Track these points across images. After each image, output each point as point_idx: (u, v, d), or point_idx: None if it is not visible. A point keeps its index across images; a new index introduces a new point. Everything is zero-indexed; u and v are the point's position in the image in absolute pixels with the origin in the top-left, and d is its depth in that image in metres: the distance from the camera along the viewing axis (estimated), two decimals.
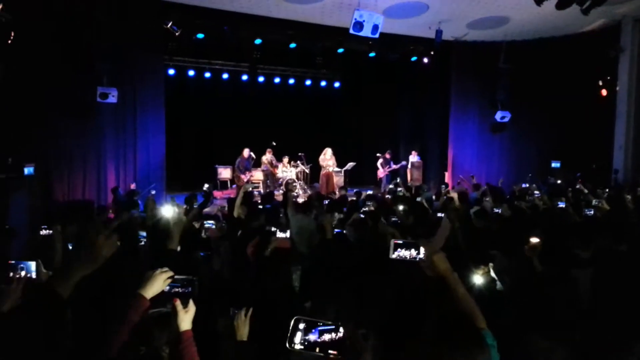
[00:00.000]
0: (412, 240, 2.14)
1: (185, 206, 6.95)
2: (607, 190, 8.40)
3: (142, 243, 4.29)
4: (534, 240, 3.32)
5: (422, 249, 2.10)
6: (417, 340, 1.64)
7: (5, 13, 7.24)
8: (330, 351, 1.60)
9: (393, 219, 5.59)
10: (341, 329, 1.63)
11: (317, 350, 1.61)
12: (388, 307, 2.24)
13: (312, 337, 1.63)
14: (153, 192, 9.15)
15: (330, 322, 1.64)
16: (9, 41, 7.57)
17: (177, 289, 2.19)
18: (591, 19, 10.33)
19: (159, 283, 2.02)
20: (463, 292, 2.01)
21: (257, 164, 13.44)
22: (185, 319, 2.02)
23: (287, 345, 1.63)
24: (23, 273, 2.35)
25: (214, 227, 5.35)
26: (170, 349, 2.10)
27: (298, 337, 1.64)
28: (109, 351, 1.82)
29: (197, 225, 5.44)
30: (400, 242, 2.16)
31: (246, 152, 12.68)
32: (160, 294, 2.04)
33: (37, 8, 8.81)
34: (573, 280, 3.17)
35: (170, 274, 2.07)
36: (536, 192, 8.28)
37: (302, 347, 1.63)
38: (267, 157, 13.13)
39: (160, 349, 2.09)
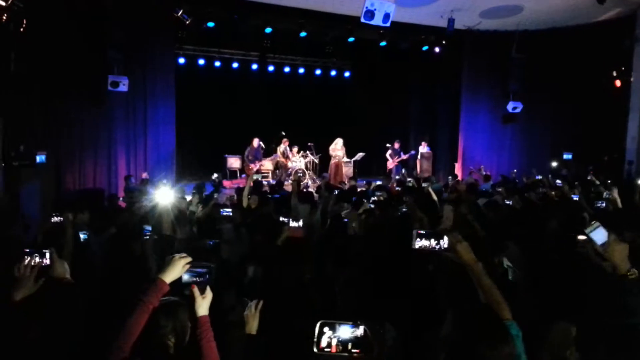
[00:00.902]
0: (436, 230, 2.14)
1: (195, 194, 6.98)
2: (615, 183, 8.31)
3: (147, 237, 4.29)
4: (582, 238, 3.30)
5: (445, 239, 2.09)
6: (438, 331, 1.64)
7: (17, 2, 7.25)
8: (353, 350, 1.63)
9: (403, 209, 5.56)
10: (361, 327, 1.64)
11: (341, 350, 1.65)
12: (409, 298, 2.25)
13: (335, 338, 1.66)
14: (164, 181, 9.19)
15: (350, 322, 1.67)
16: (21, 30, 7.59)
17: (194, 276, 2.23)
18: (606, 8, 10.17)
19: (178, 268, 2.06)
20: (489, 282, 1.99)
21: (267, 153, 13.45)
22: (203, 304, 2.07)
23: (315, 349, 1.66)
24: (37, 260, 2.37)
25: (231, 214, 5.36)
26: (176, 338, 2.12)
27: (324, 340, 1.67)
28: (130, 336, 1.84)
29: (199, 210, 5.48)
30: (423, 232, 2.16)
31: (256, 142, 12.71)
32: (179, 280, 2.08)
33: None
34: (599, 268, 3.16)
35: (189, 259, 2.10)
36: (558, 181, 8.21)
37: (328, 349, 1.66)
38: (282, 147, 13.13)
39: (166, 337, 2.11)
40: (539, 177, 9.64)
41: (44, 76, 8.96)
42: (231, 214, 4.78)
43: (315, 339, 1.67)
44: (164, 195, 4.28)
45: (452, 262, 2.07)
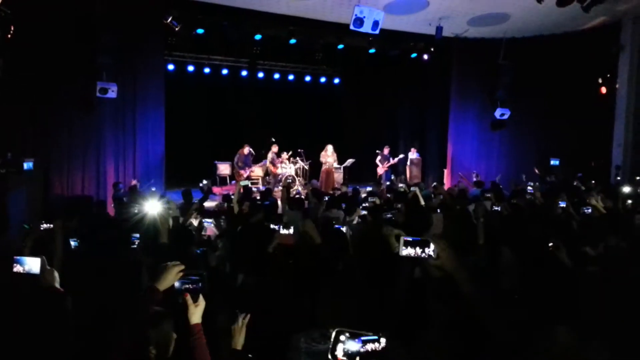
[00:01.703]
0: (423, 238, 2.14)
1: (181, 201, 6.94)
2: (602, 188, 8.40)
3: (135, 246, 4.28)
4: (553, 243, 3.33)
5: (431, 246, 2.10)
6: (425, 335, 1.66)
7: (4, 8, 7.20)
8: None
9: (388, 215, 5.58)
10: (383, 340, 1.63)
11: None
12: (396, 307, 2.25)
13: (354, 348, 1.63)
14: (153, 188, 9.14)
15: (371, 333, 1.64)
16: (8, 36, 7.53)
17: (187, 284, 2.23)
18: (591, 17, 10.32)
19: (171, 276, 2.06)
20: (470, 290, 2.02)
21: (257, 159, 13.43)
22: (196, 312, 2.08)
23: (330, 356, 1.63)
24: (26, 268, 2.35)
25: (212, 226, 5.35)
26: (157, 350, 2.11)
27: (340, 349, 1.63)
28: (125, 343, 1.84)
29: (195, 222, 5.44)
30: (410, 239, 2.14)
31: (246, 149, 12.67)
32: (171, 288, 2.08)
33: (37, 3, 8.77)
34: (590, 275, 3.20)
35: (182, 267, 2.10)
36: (529, 187, 8.28)
37: (344, 358, 1.63)
38: (270, 154, 13.13)
39: (147, 349, 2.09)
40: (530, 184, 9.72)
41: (32, 83, 8.89)
42: (212, 224, 4.75)
43: (330, 346, 1.64)
44: (154, 205, 4.26)
45: (437, 269, 2.08)
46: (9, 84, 8.10)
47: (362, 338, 1.63)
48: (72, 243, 4.04)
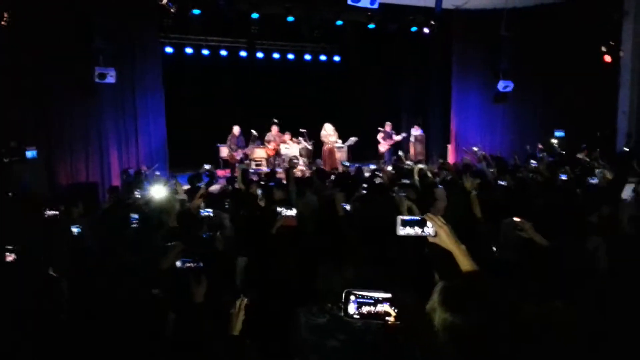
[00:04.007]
0: (419, 217, 2.13)
1: (188, 186, 6.96)
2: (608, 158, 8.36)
3: (134, 225, 4.30)
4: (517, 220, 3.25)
5: (429, 225, 2.09)
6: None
7: None
8: (387, 318, 1.62)
9: (402, 193, 5.55)
10: (395, 297, 1.64)
11: (375, 318, 1.64)
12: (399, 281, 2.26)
13: (368, 307, 1.64)
14: (157, 172, 9.14)
15: (384, 291, 1.65)
16: (3, 22, 7.48)
17: (189, 263, 2.26)
18: None
19: (173, 255, 2.10)
20: (470, 265, 2.02)
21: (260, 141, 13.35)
22: (198, 292, 2.10)
23: (344, 315, 1.65)
24: None
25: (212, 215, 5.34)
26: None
27: (352, 307, 1.65)
28: None
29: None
30: (407, 218, 2.13)
31: (236, 130, 12.46)
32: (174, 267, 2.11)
33: None
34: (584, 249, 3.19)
35: (182, 247, 2.14)
36: (532, 161, 8.24)
37: (359, 316, 1.65)
38: (268, 135, 13.07)
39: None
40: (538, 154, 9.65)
41: (30, 71, 8.85)
42: (212, 214, 4.76)
43: (342, 306, 1.66)
44: (160, 189, 4.29)
45: (438, 246, 2.09)
46: (7, 73, 8.07)
47: (375, 297, 1.64)
48: (75, 230, 4.05)
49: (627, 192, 3.68)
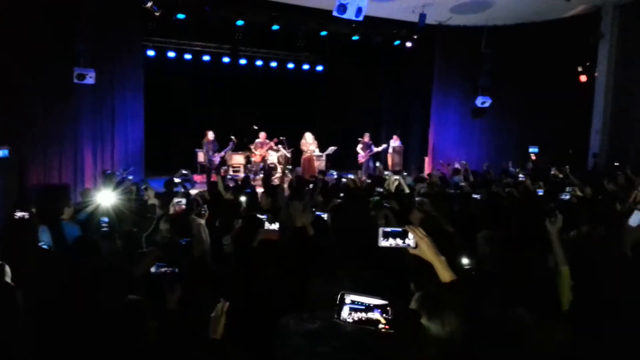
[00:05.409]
0: (400, 228, 2.14)
1: (148, 189, 6.81)
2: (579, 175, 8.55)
3: (105, 229, 4.25)
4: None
5: (410, 236, 2.11)
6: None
7: None
8: (380, 325, 1.62)
9: (386, 204, 5.56)
10: (390, 305, 1.64)
11: (368, 324, 1.63)
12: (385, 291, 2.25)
13: (361, 312, 1.64)
14: (130, 177, 8.97)
15: (379, 297, 1.65)
16: None
17: (163, 268, 2.22)
18: (572, 5, 10.42)
19: (148, 261, 2.06)
20: (449, 276, 2.04)
21: (240, 147, 13.26)
22: (172, 299, 2.06)
23: (337, 318, 1.65)
24: None
25: (183, 204, 5.26)
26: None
27: (346, 311, 1.64)
28: None
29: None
30: (389, 230, 2.15)
31: (211, 135, 12.19)
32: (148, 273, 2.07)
33: None
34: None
35: (158, 253, 2.11)
36: (521, 175, 8.38)
37: (351, 320, 1.64)
38: (257, 141, 13.00)
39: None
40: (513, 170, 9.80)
41: (6, 68, 8.64)
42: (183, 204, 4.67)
43: (336, 309, 1.65)
44: (108, 194, 4.24)
45: (416, 257, 2.10)
46: None
47: (369, 303, 1.64)
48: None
49: (635, 219, 3.78)
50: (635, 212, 3.88)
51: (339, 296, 1.66)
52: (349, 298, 1.65)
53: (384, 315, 1.62)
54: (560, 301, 2.70)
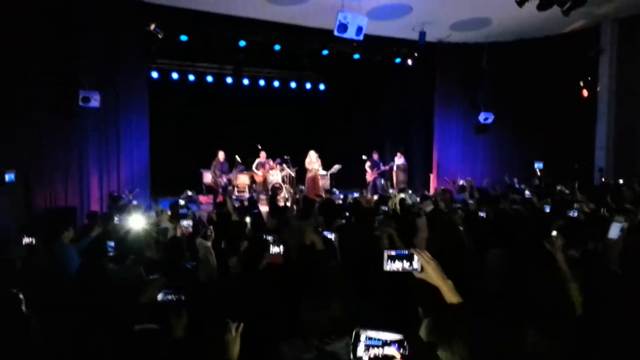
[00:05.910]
0: (406, 251, 2.11)
1: (168, 212, 6.83)
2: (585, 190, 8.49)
3: (111, 254, 4.19)
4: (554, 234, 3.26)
5: (416, 259, 2.08)
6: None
7: None
8: None
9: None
10: (407, 339, 1.61)
11: None
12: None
13: (377, 348, 1.61)
14: (134, 202, 8.98)
15: (394, 332, 1.62)
16: None
17: (170, 296, 2.20)
18: (572, 20, 10.47)
19: (154, 289, 2.04)
20: (456, 300, 2.01)
21: (245, 168, 13.29)
22: (178, 327, 2.05)
23: (352, 357, 1.61)
24: None
25: (189, 227, 5.24)
26: None
27: (361, 348, 1.61)
28: None
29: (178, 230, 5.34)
30: (394, 253, 2.12)
31: (221, 155, 12.36)
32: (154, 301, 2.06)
33: (15, 9, 8.62)
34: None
35: (164, 281, 2.09)
36: (527, 192, 8.34)
37: (367, 358, 1.61)
38: (258, 161, 13.03)
39: None
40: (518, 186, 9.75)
41: (11, 92, 8.73)
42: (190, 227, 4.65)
43: (352, 346, 1.62)
44: (138, 219, 4.22)
45: (423, 281, 2.07)
46: None
47: (385, 338, 1.61)
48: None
49: (614, 232, 3.69)
50: (614, 224, 3.77)
51: (354, 333, 1.63)
52: (364, 335, 1.62)
53: (401, 350, 1.59)
54: (571, 319, 2.67)
